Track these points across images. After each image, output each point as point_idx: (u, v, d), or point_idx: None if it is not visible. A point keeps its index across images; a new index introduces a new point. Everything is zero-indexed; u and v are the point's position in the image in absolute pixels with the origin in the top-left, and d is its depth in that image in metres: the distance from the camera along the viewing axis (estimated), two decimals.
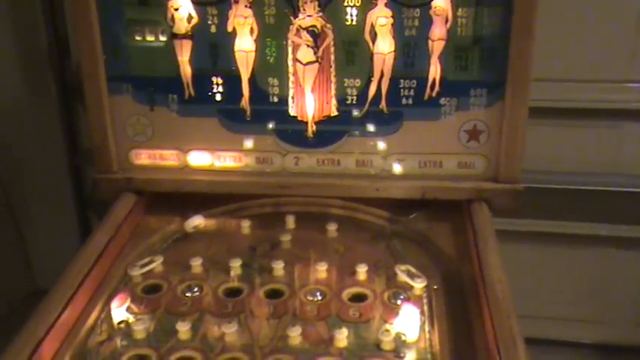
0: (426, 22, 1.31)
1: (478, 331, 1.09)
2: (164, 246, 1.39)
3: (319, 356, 1.07)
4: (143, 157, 1.47)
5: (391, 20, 1.31)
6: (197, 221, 1.44)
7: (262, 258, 1.33)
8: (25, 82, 2.21)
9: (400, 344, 1.09)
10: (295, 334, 1.10)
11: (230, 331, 1.11)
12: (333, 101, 1.39)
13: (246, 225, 1.44)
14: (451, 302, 1.19)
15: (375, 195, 1.42)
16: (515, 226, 2.07)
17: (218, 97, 1.41)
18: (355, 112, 1.39)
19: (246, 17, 1.33)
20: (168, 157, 1.47)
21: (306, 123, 1.41)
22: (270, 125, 1.42)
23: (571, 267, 2.18)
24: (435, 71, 1.34)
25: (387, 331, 1.10)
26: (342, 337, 1.09)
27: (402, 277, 1.24)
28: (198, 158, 1.46)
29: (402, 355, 1.06)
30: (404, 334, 1.10)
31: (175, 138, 1.45)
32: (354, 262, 1.28)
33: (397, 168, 1.42)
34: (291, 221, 1.45)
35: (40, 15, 2.05)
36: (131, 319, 1.15)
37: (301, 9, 1.32)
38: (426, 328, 1.12)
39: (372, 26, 1.32)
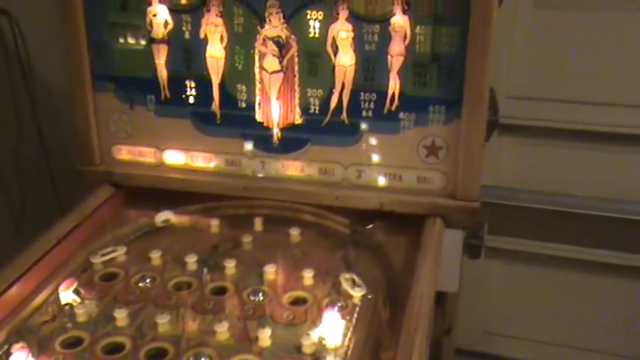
0: (386, 37, 1.33)
1: (393, 342, 1.10)
2: (131, 237, 1.46)
3: (240, 353, 1.11)
4: (124, 153, 1.56)
5: (352, 34, 1.34)
6: (167, 216, 1.51)
7: (221, 256, 1.39)
8: None
9: (321, 348, 1.12)
10: (222, 330, 1.14)
11: (162, 321, 1.17)
12: (297, 109, 1.43)
13: (215, 224, 1.50)
14: (382, 312, 1.21)
15: (335, 203, 1.45)
16: (560, 252, 2.06)
17: (191, 100, 1.48)
18: (318, 122, 1.43)
19: (216, 25, 1.40)
20: (146, 155, 1.55)
21: (272, 129, 1.46)
22: (238, 129, 1.48)
23: (605, 297, 2.13)
24: (394, 86, 1.36)
25: (308, 335, 1.14)
26: (266, 337, 1.13)
27: (345, 286, 1.27)
28: (173, 157, 1.54)
29: (320, 358, 1.10)
30: (325, 339, 1.13)
31: (153, 136, 1.53)
32: (306, 268, 1.32)
33: (357, 178, 1.45)
34: (259, 223, 1.50)
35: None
36: (77, 302, 1.23)
37: (267, 20, 1.37)
38: (348, 335, 1.14)
39: (334, 39, 1.36)
